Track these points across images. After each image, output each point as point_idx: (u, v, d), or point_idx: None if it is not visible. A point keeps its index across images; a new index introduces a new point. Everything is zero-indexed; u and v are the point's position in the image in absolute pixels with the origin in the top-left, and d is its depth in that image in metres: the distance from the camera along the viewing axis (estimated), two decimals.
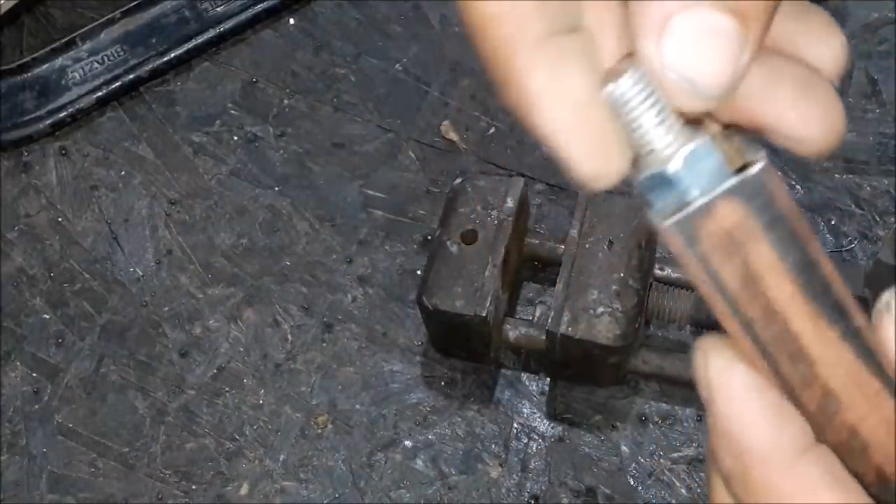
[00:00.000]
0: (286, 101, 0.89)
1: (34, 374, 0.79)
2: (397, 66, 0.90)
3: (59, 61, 0.90)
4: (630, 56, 0.27)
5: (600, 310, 0.69)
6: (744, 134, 0.27)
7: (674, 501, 0.73)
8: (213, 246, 0.84)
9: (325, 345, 0.79)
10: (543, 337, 0.71)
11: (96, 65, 0.90)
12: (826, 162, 0.82)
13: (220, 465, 0.75)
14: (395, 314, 0.80)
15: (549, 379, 0.77)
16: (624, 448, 0.74)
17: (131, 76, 0.89)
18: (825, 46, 0.29)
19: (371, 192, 0.85)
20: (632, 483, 0.73)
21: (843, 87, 0.84)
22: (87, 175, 0.87)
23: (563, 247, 0.73)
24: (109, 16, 0.91)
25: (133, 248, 0.84)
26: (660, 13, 0.24)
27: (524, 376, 0.77)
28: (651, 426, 0.75)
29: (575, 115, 0.26)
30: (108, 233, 0.85)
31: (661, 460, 0.74)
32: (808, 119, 0.28)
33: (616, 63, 0.27)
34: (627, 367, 0.73)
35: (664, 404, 0.75)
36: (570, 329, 0.68)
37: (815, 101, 0.28)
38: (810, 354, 0.28)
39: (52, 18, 0.94)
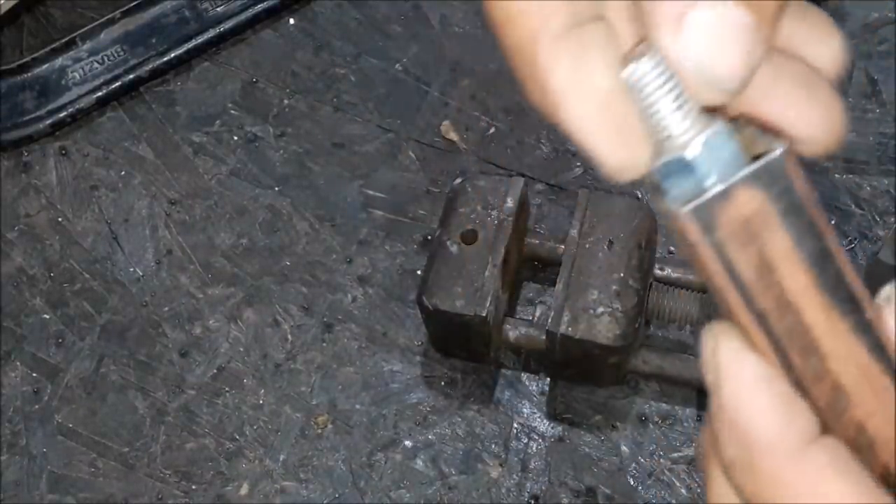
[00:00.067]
0: (286, 101, 0.89)
1: (34, 374, 0.79)
2: (397, 66, 0.90)
3: (59, 61, 0.90)
4: (643, 42, 0.26)
5: (600, 310, 0.69)
6: (754, 124, 0.27)
7: (674, 501, 0.73)
8: (213, 246, 0.84)
9: (325, 345, 0.79)
10: (543, 337, 0.71)
11: (96, 65, 0.90)
12: (826, 162, 0.82)
13: (220, 465, 0.75)
14: (395, 314, 0.80)
15: (549, 379, 0.77)
16: (624, 448, 0.74)
17: (131, 76, 0.89)
18: (824, 46, 0.29)
19: (371, 192, 0.85)
20: (632, 483, 0.73)
21: (843, 87, 0.84)
22: (87, 175, 0.87)
23: (563, 247, 0.73)
24: (109, 16, 0.91)
25: (133, 248, 0.84)
26: (677, 6, 0.24)
27: (524, 376, 0.77)
28: (651, 426, 0.75)
29: (600, 109, 0.26)
30: (108, 233, 0.85)
31: (661, 460, 0.74)
32: (808, 118, 0.27)
33: (634, 46, 0.27)
34: (627, 367, 0.73)
35: (664, 404, 0.75)
36: (570, 329, 0.68)
37: (816, 100, 0.28)
38: (822, 348, 0.28)
39: (52, 18, 0.94)
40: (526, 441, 0.75)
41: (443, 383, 0.77)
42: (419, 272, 0.80)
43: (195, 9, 0.91)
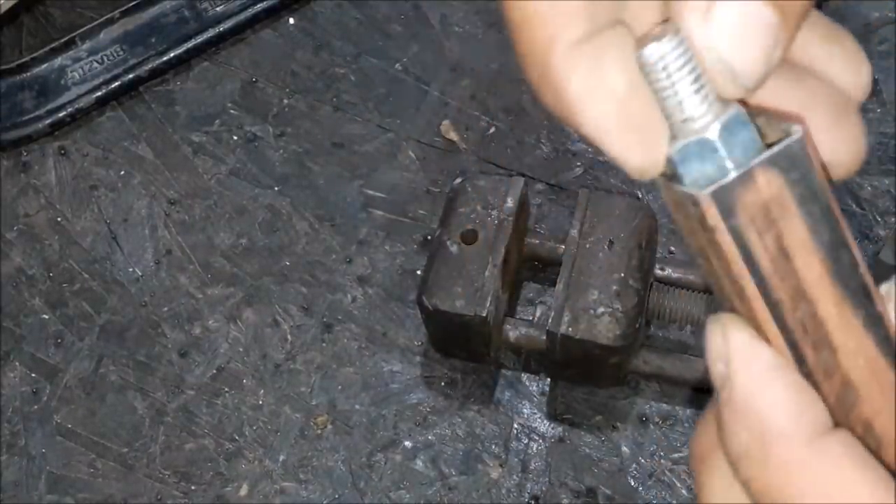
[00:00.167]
0: (286, 101, 0.89)
1: (33, 375, 0.79)
2: (397, 65, 0.90)
3: (58, 61, 0.89)
4: (665, 22, 0.26)
5: (601, 310, 0.69)
6: (767, 113, 0.27)
7: (674, 502, 0.73)
8: (213, 246, 0.84)
9: (324, 345, 0.79)
10: (543, 337, 0.71)
11: (96, 64, 0.90)
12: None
13: (220, 466, 0.75)
14: (395, 314, 0.80)
15: (549, 379, 0.76)
16: (624, 448, 0.74)
17: (131, 76, 0.89)
18: (855, 73, 0.29)
19: (371, 192, 0.85)
20: (632, 484, 0.73)
21: None
22: (87, 175, 0.87)
23: (563, 247, 0.73)
24: (109, 15, 0.91)
25: (132, 248, 0.84)
26: None
27: (524, 377, 0.77)
28: (652, 427, 0.75)
29: (618, 111, 0.26)
30: (107, 233, 0.85)
31: (662, 461, 0.74)
32: (837, 143, 0.28)
33: (650, 29, 0.27)
34: (628, 367, 0.73)
35: (665, 405, 0.75)
36: (570, 329, 0.68)
37: (845, 126, 0.28)
38: (834, 341, 0.27)
39: (51, 18, 0.94)
40: (526, 441, 0.75)
41: (443, 383, 0.77)
42: (419, 272, 0.80)
43: (195, 8, 0.91)
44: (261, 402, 0.77)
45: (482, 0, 0.92)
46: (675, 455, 0.74)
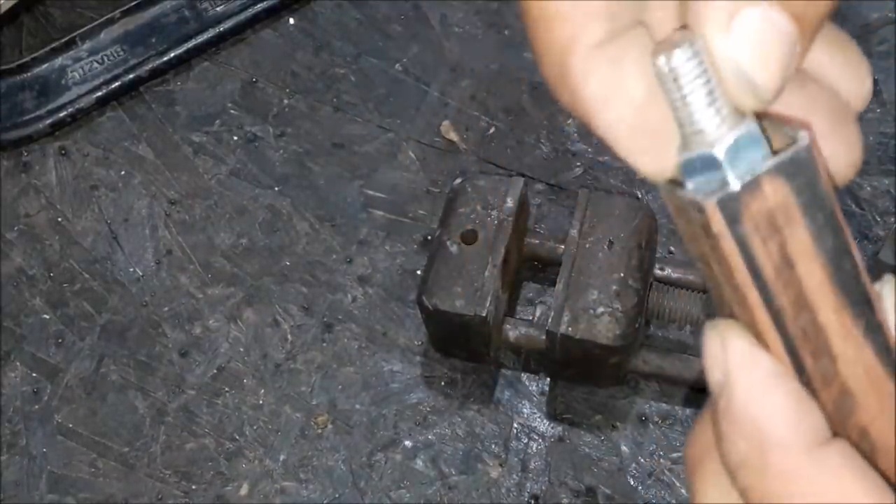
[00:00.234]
0: (286, 101, 0.89)
1: (34, 374, 0.79)
2: (397, 66, 0.90)
3: (58, 61, 0.90)
4: (681, 29, 0.26)
5: (600, 310, 0.69)
6: (774, 118, 0.27)
7: (674, 501, 0.73)
8: (213, 246, 0.84)
9: (325, 345, 0.79)
10: (543, 337, 0.71)
11: (96, 64, 0.90)
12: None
13: (220, 465, 0.75)
14: (395, 314, 0.80)
15: (549, 379, 0.77)
16: (624, 448, 0.74)
17: (131, 76, 0.89)
18: (857, 82, 0.29)
19: (371, 192, 0.85)
20: (632, 483, 0.73)
21: None
22: (87, 175, 0.87)
23: (563, 247, 0.73)
24: (109, 15, 0.91)
25: (133, 248, 0.84)
26: (730, 4, 0.24)
27: (524, 376, 0.77)
28: (651, 426, 0.75)
29: (634, 117, 0.26)
30: (107, 233, 0.85)
31: (662, 460, 0.74)
32: (835, 152, 0.28)
33: (668, 35, 0.26)
34: (627, 366, 0.73)
35: (664, 404, 0.75)
36: (570, 329, 0.68)
37: (844, 134, 0.28)
38: (833, 349, 0.27)
39: (51, 18, 0.94)
40: (526, 441, 0.75)
41: (443, 383, 0.77)
42: (419, 272, 0.80)
43: (195, 8, 0.91)
44: (261, 402, 0.77)
45: (482, 0, 0.93)
46: (675, 454, 0.74)
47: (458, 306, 0.70)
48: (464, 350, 0.76)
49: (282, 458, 0.76)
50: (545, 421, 0.76)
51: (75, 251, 0.84)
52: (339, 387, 0.78)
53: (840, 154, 0.28)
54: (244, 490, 0.75)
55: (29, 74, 0.89)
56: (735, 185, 0.25)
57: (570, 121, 0.86)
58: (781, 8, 0.24)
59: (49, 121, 0.88)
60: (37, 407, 0.78)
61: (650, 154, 0.26)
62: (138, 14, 0.91)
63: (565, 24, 0.25)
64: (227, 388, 0.78)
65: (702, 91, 0.25)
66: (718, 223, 0.26)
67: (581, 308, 0.69)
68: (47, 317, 0.81)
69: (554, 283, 0.71)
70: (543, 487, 0.73)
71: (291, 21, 0.93)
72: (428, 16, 0.92)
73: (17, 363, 0.80)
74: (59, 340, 0.80)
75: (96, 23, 0.91)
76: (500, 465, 0.74)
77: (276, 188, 0.86)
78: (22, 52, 0.92)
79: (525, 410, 0.76)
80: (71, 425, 0.77)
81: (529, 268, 0.80)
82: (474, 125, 0.87)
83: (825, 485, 0.27)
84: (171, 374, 0.79)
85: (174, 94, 0.90)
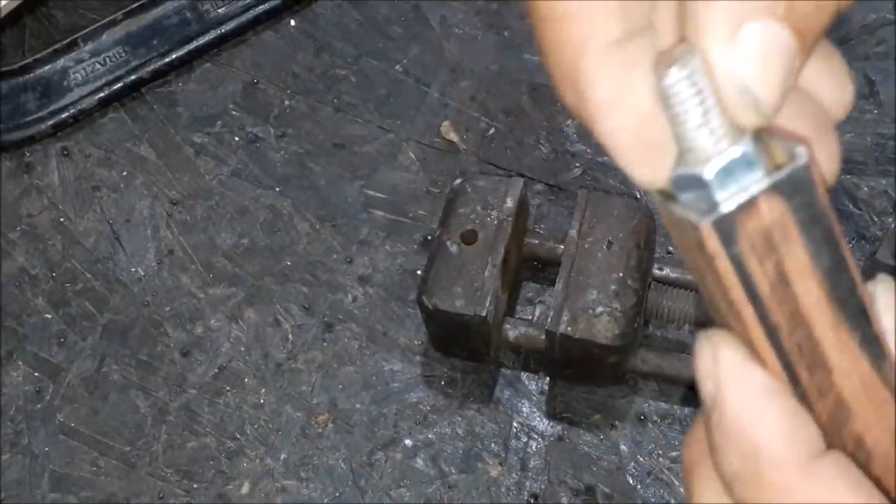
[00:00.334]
0: (287, 102, 0.90)
1: (36, 374, 0.80)
2: (397, 66, 0.91)
3: (61, 62, 0.90)
4: (680, 43, 0.25)
5: (599, 309, 0.69)
6: (777, 136, 0.26)
7: (673, 500, 0.73)
8: (215, 246, 0.84)
9: (325, 344, 0.80)
10: (543, 336, 0.71)
11: (98, 66, 0.90)
12: None
13: (222, 464, 0.76)
14: (396, 314, 0.80)
15: (548, 378, 0.77)
16: (623, 447, 0.75)
17: (133, 77, 0.90)
18: (840, 91, 0.28)
19: (371, 193, 0.85)
20: (631, 482, 0.74)
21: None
22: (89, 175, 0.88)
23: (562, 247, 0.73)
24: (111, 17, 0.91)
25: (135, 248, 0.84)
26: (733, 18, 0.24)
27: (524, 376, 0.77)
28: (650, 425, 0.75)
29: (636, 129, 0.25)
30: (109, 233, 0.85)
31: (660, 459, 0.74)
32: (818, 161, 0.27)
33: (668, 49, 0.26)
34: (626, 366, 0.74)
35: (663, 403, 0.76)
36: (569, 329, 0.69)
37: (824, 142, 0.28)
38: (829, 362, 0.27)
39: (53, 19, 0.94)
40: (525, 440, 0.75)
41: (443, 383, 0.78)
42: (419, 272, 0.80)
43: (196, 10, 0.92)
44: (262, 401, 0.78)
45: (482, 1, 0.93)
46: (674, 453, 0.74)
47: (458, 306, 0.70)
48: (464, 350, 0.76)
49: (283, 457, 0.76)
50: (545, 420, 0.76)
51: (77, 251, 0.84)
52: (340, 386, 0.78)
53: (822, 162, 0.27)
54: (245, 489, 0.75)
55: (31, 75, 0.90)
56: (727, 206, 0.25)
57: (569, 122, 0.86)
58: (783, 22, 0.24)
59: (51, 122, 0.88)
60: (39, 406, 0.78)
61: (649, 165, 0.26)
62: (140, 15, 0.91)
63: (578, 24, 0.25)
64: (228, 388, 0.78)
65: (697, 110, 0.25)
66: (713, 243, 0.25)
67: (580, 308, 0.69)
68: (49, 316, 0.82)
69: (553, 283, 0.71)
70: (543, 486, 0.74)
71: (292, 22, 0.93)
72: (428, 17, 0.93)
73: (20, 362, 0.80)
74: (61, 340, 0.81)
75: (98, 24, 0.91)
76: (500, 464, 0.75)
77: (277, 188, 0.86)
78: (24, 53, 0.92)
79: (524, 410, 0.76)
80: (73, 424, 0.78)
81: (529, 268, 0.80)
82: (474, 126, 0.87)
83: (820, 498, 0.26)
84: (173, 373, 0.79)
85: (176, 95, 0.91)
